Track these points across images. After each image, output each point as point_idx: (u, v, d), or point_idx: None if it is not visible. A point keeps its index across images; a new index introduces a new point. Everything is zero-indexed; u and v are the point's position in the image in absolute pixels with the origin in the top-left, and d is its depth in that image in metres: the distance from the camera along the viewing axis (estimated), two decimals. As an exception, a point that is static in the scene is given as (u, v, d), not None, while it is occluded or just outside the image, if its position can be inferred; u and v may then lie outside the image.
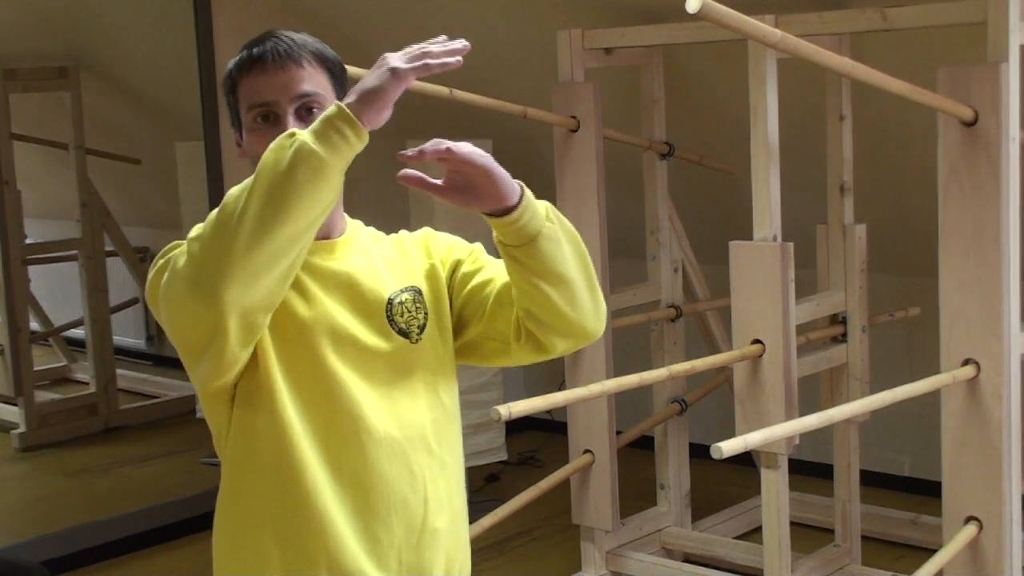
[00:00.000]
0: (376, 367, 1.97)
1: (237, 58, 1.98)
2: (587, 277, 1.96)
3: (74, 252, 6.36)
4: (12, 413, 6.23)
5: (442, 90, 3.68)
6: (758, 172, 3.69)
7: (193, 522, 5.02)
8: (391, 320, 1.99)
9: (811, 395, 4.26)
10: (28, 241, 6.32)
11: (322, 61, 1.97)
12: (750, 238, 3.74)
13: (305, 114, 1.94)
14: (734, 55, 3.83)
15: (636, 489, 4.96)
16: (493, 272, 2.05)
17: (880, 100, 3.73)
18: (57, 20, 6.12)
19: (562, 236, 1.91)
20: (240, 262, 1.74)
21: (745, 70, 3.68)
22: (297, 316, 1.93)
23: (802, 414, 3.47)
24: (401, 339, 2.00)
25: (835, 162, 4.19)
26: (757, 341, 3.70)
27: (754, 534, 4.69)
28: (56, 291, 6.83)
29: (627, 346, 4.69)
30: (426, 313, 2.03)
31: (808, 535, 4.69)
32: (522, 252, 1.89)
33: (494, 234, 1.90)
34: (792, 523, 3.92)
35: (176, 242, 1.91)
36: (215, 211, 1.78)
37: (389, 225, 2.18)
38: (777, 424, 3.42)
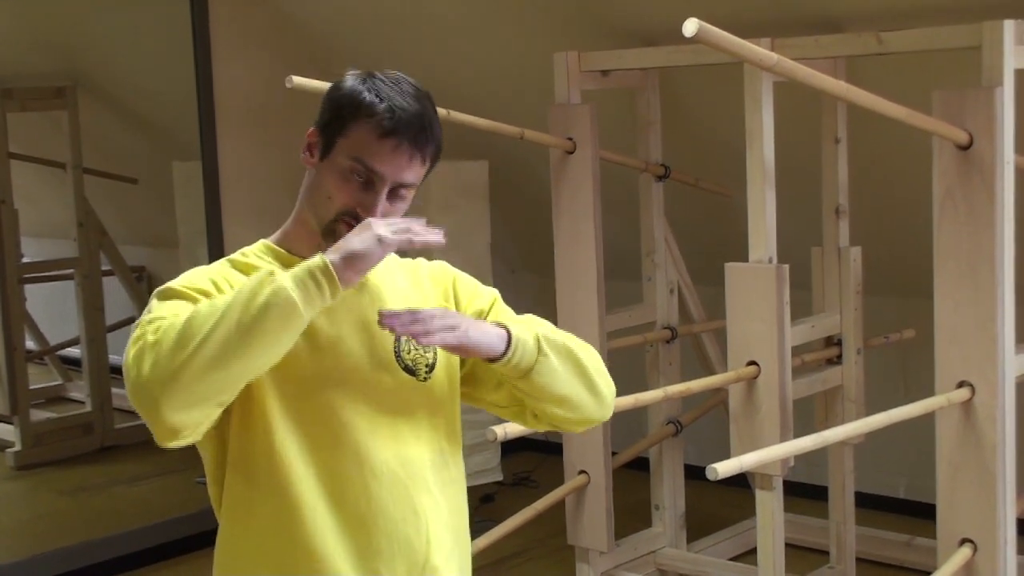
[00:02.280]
0: (382, 403, 1.97)
1: (371, 98, 1.92)
2: (588, 384, 2.03)
3: (70, 271, 6.36)
4: (7, 432, 6.22)
5: (440, 111, 3.69)
6: (754, 194, 3.71)
7: (189, 541, 5.02)
8: (398, 356, 2.00)
9: (806, 417, 4.27)
10: (25, 260, 6.32)
11: (432, 152, 1.98)
12: (745, 260, 3.75)
13: (393, 196, 1.95)
14: (730, 78, 3.84)
15: (631, 510, 4.96)
16: None
17: (876, 123, 3.75)
18: (55, 40, 6.14)
19: (557, 362, 1.97)
20: (186, 387, 1.75)
21: (741, 93, 3.70)
22: (301, 355, 1.92)
23: (797, 436, 3.48)
24: (407, 376, 2.00)
25: (830, 185, 4.21)
26: (752, 363, 3.71)
27: (749, 555, 4.69)
28: (52, 310, 6.82)
29: (622, 367, 4.66)
30: (435, 353, 2.04)
31: (803, 557, 4.69)
32: (520, 383, 1.97)
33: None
34: (787, 545, 3.92)
35: (153, 315, 1.86)
36: (185, 318, 1.77)
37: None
38: (772, 446, 3.42)
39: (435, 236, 1.83)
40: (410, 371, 2.00)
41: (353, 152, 1.92)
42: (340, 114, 1.95)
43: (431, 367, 2.03)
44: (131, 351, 1.79)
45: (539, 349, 1.94)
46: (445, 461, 2.04)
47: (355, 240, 1.80)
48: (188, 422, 1.79)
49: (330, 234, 1.94)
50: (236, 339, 1.74)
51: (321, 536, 1.92)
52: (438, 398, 2.03)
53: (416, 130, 1.93)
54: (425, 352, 2.02)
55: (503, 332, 1.92)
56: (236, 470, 1.95)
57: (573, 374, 2.00)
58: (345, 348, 1.96)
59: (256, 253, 2.02)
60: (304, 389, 1.93)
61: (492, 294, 2.15)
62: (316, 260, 1.78)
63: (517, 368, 1.93)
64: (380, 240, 1.79)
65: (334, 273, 1.77)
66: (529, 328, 1.97)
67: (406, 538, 1.96)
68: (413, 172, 1.95)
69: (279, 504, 1.92)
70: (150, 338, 1.77)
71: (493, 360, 1.92)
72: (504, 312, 2.11)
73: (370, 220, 1.83)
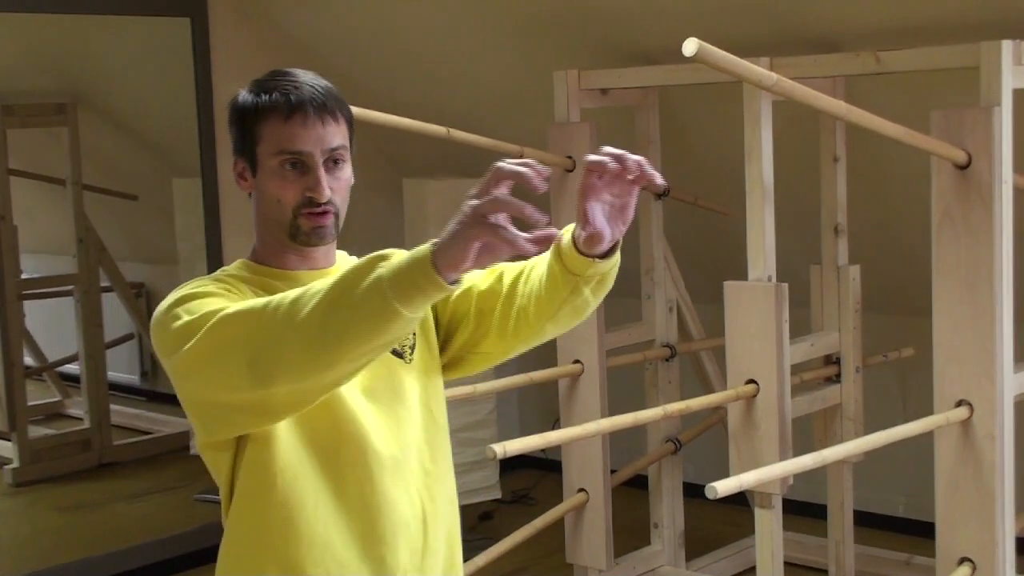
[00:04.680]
0: (377, 388, 1.99)
1: (264, 96, 1.96)
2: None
3: (70, 287, 6.36)
4: (5, 448, 6.21)
5: (440, 130, 3.71)
6: (753, 213, 3.71)
7: (186, 559, 5.00)
8: None
9: (805, 435, 4.27)
10: (24, 276, 6.32)
11: (345, 112, 2.00)
12: (744, 278, 3.75)
13: (332, 165, 1.97)
14: (729, 97, 3.85)
15: (630, 528, 4.96)
16: (468, 282, 2.05)
17: (874, 142, 3.76)
18: (56, 57, 6.15)
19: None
20: (298, 362, 1.72)
21: (740, 112, 3.70)
22: None
23: (796, 454, 3.48)
24: (396, 359, 2.02)
25: (829, 203, 4.22)
26: (751, 381, 3.71)
27: (748, 574, 4.68)
28: (51, 326, 6.82)
29: (621, 385, 4.70)
30: (414, 333, 2.06)
31: (802, 575, 4.68)
32: (597, 285, 1.89)
33: (566, 267, 1.86)
34: (786, 563, 3.92)
35: (183, 294, 1.90)
36: (289, 296, 1.74)
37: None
38: (771, 464, 3.42)
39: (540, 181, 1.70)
40: (398, 354, 2.02)
41: (273, 148, 1.95)
42: (244, 127, 1.99)
43: (413, 347, 2.05)
44: (180, 325, 1.80)
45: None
46: (439, 430, 2.08)
47: (452, 224, 1.66)
48: (300, 400, 1.80)
49: (297, 232, 1.97)
50: (335, 328, 1.68)
51: (323, 526, 1.94)
52: (424, 374, 2.06)
53: (314, 98, 1.95)
54: (411, 340, 2.05)
55: None
56: (243, 469, 1.96)
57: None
58: None
59: (236, 269, 2.05)
60: None
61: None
62: (423, 260, 1.65)
63: (612, 267, 1.88)
64: (474, 213, 1.65)
65: (440, 279, 1.64)
66: None
67: (405, 522, 1.99)
68: (334, 135, 1.96)
69: (282, 498, 1.93)
70: (235, 327, 1.76)
71: (607, 254, 1.85)
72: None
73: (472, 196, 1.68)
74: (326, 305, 1.70)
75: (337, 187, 1.98)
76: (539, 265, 1.94)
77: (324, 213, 1.96)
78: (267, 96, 1.96)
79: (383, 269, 1.68)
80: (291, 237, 1.97)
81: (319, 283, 1.74)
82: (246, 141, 2.00)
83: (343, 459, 1.95)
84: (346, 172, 2.00)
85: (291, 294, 1.76)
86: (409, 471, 2.00)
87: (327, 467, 1.94)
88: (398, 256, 1.70)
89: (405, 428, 2.01)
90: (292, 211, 1.96)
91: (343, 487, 1.95)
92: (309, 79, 1.98)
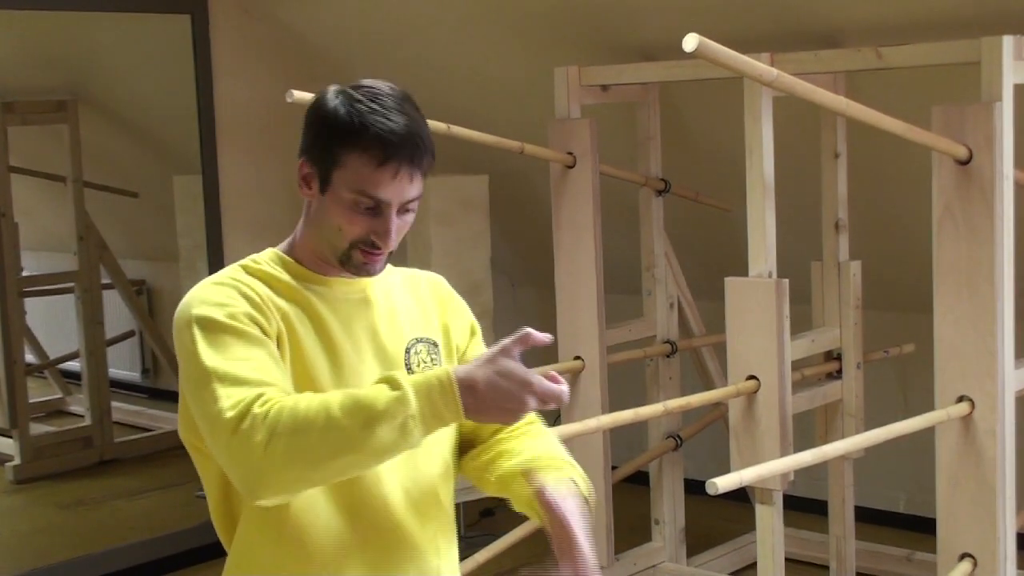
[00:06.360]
0: None
1: (357, 122, 1.87)
2: None
3: (71, 284, 6.36)
4: (7, 445, 6.21)
5: (440, 126, 3.70)
6: (753, 209, 3.71)
7: (188, 555, 5.01)
8: (409, 369, 1.99)
9: (806, 431, 4.27)
10: (25, 273, 6.32)
11: (430, 160, 1.94)
12: (745, 274, 3.75)
13: (403, 212, 1.93)
14: (730, 93, 3.85)
15: (631, 524, 4.96)
16: None
17: (875, 137, 3.75)
18: (56, 54, 6.15)
19: None
20: (292, 484, 1.79)
21: (741, 108, 3.70)
22: (323, 374, 1.92)
23: (797, 450, 3.47)
24: None
25: (830, 199, 4.22)
26: (752, 377, 3.71)
27: (749, 570, 4.68)
28: (52, 323, 6.83)
29: (622, 381, 4.70)
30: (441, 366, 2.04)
31: (803, 571, 4.69)
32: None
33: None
34: (787, 559, 3.92)
35: (209, 316, 1.86)
36: (299, 409, 1.75)
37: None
38: (772, 460, 3.42)
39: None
40: None
41: (354, 185, 1.88)
42: (330, 145, 1.89)
43: None
44: (234, 438, 1.77)
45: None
46: (450, 472, 2.06)
47: (501, 383, 1.74)
48: (280, 499, 1.84)
49: (347, 260, 1.93)
50: (355, 464, 1.77)
51: (334, 551, 1.92)
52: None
53: (410, 149, 1.88)
54: (432, 364, 2.02)
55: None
56: None
57: None
58: (366, 367, 1.95)
59: (268, 261, 1.99)
60: None
61: (476, 327, 2.16)
62: (451, 408, 1.74)
63: None
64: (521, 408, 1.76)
65: (459, 404, 1.74)
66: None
67: (420, 552, 1.98)
68: (416, 188, 1.91)
69: (296, 522, 1.91)
70: (259, 437, 1.74)
71: None
72: (480, 348, 2.12)
73: (528, 389, 1.75)
74: (347, 448, 1.74)
75: (401, 228, 1.94)
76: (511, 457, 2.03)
77: (381, 253, 1.94)
78: (360, 123, 1.87)
79: (410, 421, 1.73)
80: (340, 263, 1.94)
81: (324, 406, 1.74)
82: (323, 156, 1.91)
83: (358, 489, 1.92)
84: (412, 218, 1.96)
85: (310, 423, 1.74)
86: (425, 503, 1.99)
87: (342, 495, 1.91)
88: (412, 395, 1.74)
89: (421, 460, 1.98)
90: (350, 243, 1.92)
91: (358, 519, 1.92)
92: (404, 121, 1.88)
